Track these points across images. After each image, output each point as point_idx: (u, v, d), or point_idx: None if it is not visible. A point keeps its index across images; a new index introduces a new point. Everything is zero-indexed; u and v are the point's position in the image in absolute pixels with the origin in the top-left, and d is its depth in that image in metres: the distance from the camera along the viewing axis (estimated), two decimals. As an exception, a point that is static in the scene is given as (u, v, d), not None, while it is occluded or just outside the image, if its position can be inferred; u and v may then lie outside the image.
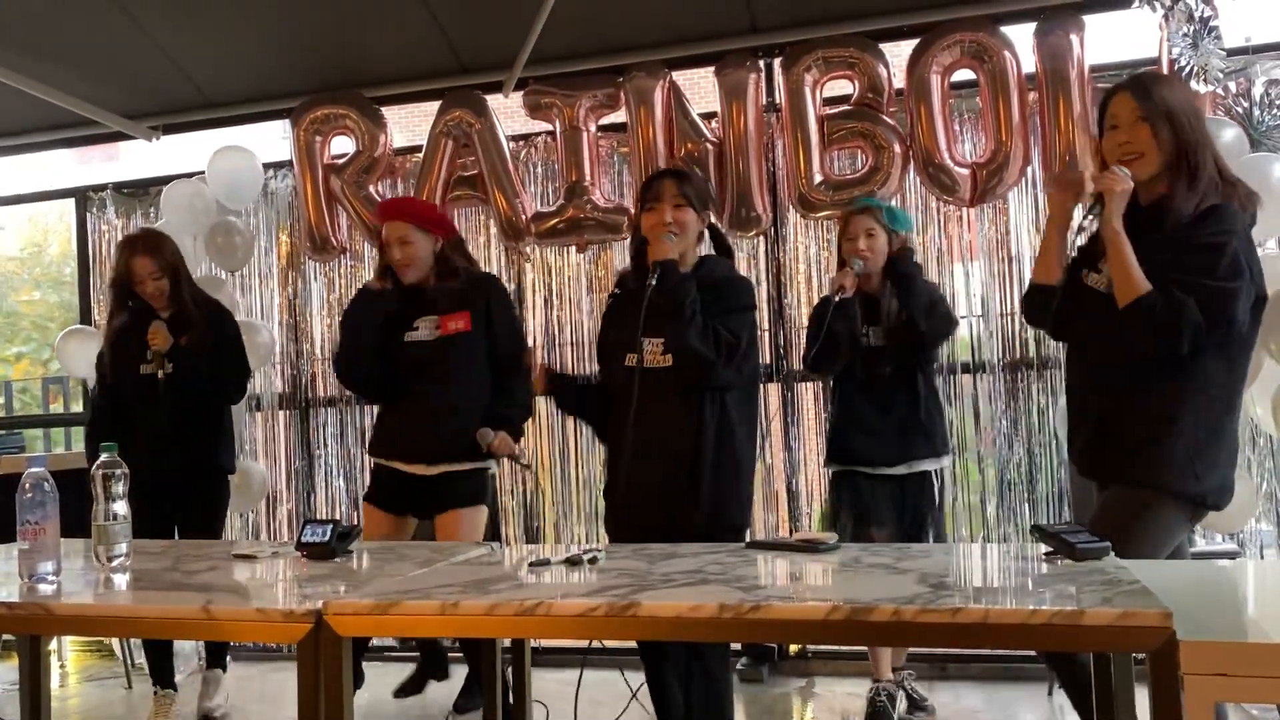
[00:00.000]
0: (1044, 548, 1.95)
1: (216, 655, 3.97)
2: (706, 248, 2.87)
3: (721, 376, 2.64)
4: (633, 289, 2.77)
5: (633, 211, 4.11)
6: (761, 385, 3.77)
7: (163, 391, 3.64)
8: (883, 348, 3.31)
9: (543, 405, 4.49)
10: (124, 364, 3.73)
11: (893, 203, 3.75)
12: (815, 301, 4.24)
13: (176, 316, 3.71)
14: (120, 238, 5.00)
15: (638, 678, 2.85)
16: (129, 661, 4.39)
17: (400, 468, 3.26)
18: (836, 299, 3.23)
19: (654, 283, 2.64)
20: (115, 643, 4.47)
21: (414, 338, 3.24)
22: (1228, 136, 3.44)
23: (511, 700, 2.45)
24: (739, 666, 4.10)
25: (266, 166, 4.74)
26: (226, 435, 3.90)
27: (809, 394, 4.31)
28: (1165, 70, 3.59)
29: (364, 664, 3.48)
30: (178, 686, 3.86)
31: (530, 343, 4.50)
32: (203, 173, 4.70)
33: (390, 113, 4.54)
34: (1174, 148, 2.23)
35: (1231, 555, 3.68)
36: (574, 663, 2.75)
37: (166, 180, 4.95)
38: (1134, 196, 2.27)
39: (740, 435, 2.70)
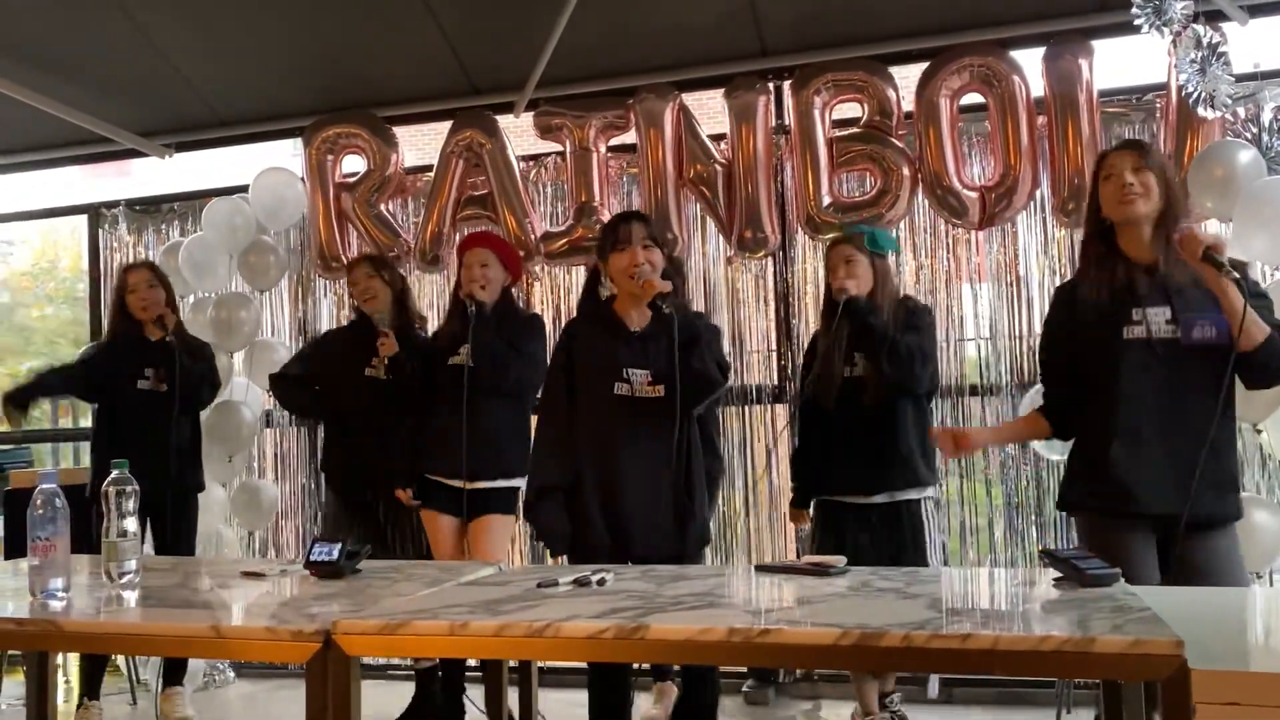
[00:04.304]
0: (1053, 572, 1.95)
1: (175, 672, 4.07)
2: None
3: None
4: (608, 321, 2.90)
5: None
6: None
7: (165, 408, 3.87)
8: (863, 379, 3.19)
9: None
10: (121, 378, 3.91)
11: (884, 228, 3.71)
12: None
13: (163, 340, 3.94)
14: (132, 254, 5.05)
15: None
16: (134, 677, 4.39)
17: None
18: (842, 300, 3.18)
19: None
20: (120, 658, 4.47)
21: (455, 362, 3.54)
22: (1245, 159, 3.43)
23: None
24: (745, 688, 4.08)
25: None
26: (199, 455, 4.14)
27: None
28: (1174, 97, 3.60)
29: (366, 682, 3.46)
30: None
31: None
32: (225, 190, 4.74)
33: (402, 132, 4.58)
34: (1164, 204, 2.44)
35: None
36: (580, 683, 2.76)
37: (179, 197, 5.00)
38: (1128, 258, 2.48)
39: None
